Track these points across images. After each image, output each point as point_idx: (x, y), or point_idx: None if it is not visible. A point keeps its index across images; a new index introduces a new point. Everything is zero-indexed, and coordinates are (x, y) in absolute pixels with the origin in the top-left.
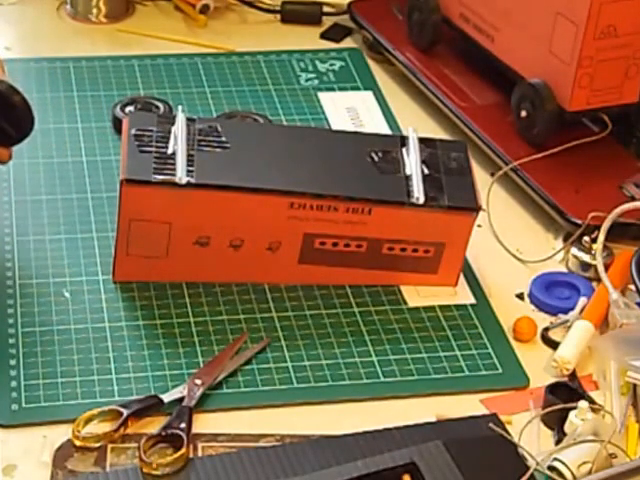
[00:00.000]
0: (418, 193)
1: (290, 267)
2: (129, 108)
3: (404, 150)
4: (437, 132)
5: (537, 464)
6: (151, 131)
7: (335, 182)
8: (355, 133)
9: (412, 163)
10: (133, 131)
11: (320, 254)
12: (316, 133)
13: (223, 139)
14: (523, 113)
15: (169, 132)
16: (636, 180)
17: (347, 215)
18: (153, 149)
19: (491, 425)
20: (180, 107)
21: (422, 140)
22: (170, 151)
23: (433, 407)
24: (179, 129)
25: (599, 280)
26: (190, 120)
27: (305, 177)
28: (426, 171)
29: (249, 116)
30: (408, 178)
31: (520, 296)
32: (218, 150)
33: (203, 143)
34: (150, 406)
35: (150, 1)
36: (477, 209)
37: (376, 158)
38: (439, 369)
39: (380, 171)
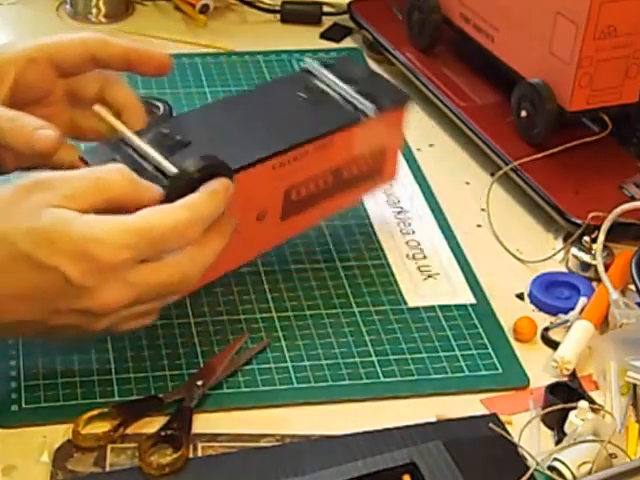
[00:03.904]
0: (363, 106)
1: (275, 228)
2: None
3: (317, 81)
4: (437, 132)
5: (537, 464)
6: (114, 160)
7: (296, 129)
8: (264, 87)
9: (334, 86)
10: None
11: (297, 204)
12: (239, 100)
13: (178, 138)
14: (523, 113)
15: (130, 154)
16: (636, 180)
17: (316, 155)
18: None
19: (491, 425)
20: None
21: (324, 66)
22: (147, 166)
23: (433, 407)
24: (139, 148)
25: (599, 280)
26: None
27: (269, 137)
28: (351, 86)
29: (149, 102)
30: (344, 98)
31: (520, 296)
32: (185, 150)
33: (166, 150)
34: (150, 406)
35: (150, 1)
36: (408, 98)
37: (305, 96)
38: (439, 369)
39: (318, 104)
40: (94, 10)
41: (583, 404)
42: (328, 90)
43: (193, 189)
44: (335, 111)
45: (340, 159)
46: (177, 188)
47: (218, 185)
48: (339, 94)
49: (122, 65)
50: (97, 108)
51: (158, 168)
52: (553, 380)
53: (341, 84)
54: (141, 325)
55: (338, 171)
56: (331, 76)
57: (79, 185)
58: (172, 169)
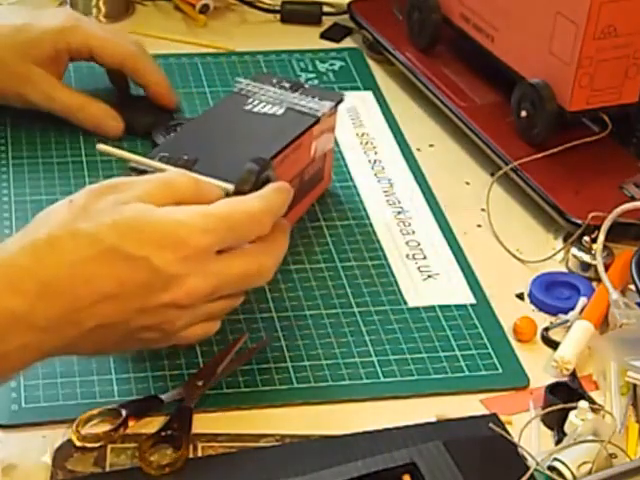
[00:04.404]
0: (320, 106)
1: None
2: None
3: (256, 96)
4: (437, 132)
5: (537, 464)
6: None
7: (270, 137)
8: (212, 110)
9: (282, 97)
10: None
11: None
12: (206, 119)
13: (185, 158)
14: (523, 113)
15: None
16: (636, 180)
17: (292, 158)
18: None
19: (491, 425)
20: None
21: (256, 79)
22: None
23: (433, 407)
24: (160, 169)
25: (599, 280)
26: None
27: (256, 148)
28: (293, 92)
29: None
30: (298, 104)
31: (520, 296)
32: (196, 167)
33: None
34: (150, 406)
35: (150, 1)
36: (343, 98)
37: (255, 110)
38: (439, 369)
39: (271, 115)
40: (94, 10)
41: (583, 404)
42: (274, 100)
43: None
44: (293, 115)
45: (304, 162)
46: (242, 187)
47: (282, 183)
48: (292, 101)
49: (138, 81)
50: (101, 147)
51: None
52: (553, 380)
53: (288, 93)
54: (206, 333)
55: (301, 175)
56: (269, 87)
57: (148, 186)
58: (227, 185)
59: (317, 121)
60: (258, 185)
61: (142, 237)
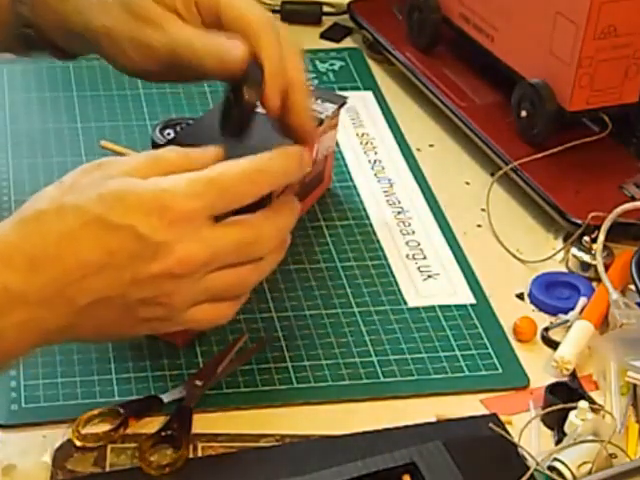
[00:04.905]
0: (322, 108)
1: None
2: (168, 131)
3: None
4: (437, 132)
5: (537, 464)
6: None
7: (274, 138)
8: (210, 112)
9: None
10: None
11: None
12: (204, 121)
13: None
14: (523, 113)
15: None
16: (636, 180)
17: None
18: None
19: (491, 425)
20: None
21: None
22: None
23: (433, 407)
24: None
25: (599, 280)
26: None
27: (261, 149)
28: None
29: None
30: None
31: (520, 296)
32: None
33: None
34: (150, 406)
35: None
36: (346, 101)
37: (263, 111)
38: (439, 369)
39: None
40: None
41: (583, 404)
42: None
43: None
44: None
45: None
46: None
47: (291, 148)
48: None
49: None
50: (104, 144)
51: None
52: (553, 380)
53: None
54: (218, 316)
55: (303, 177)
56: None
57: (137, 161)
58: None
59: (320, 123)
60: None
61: (127, 206)
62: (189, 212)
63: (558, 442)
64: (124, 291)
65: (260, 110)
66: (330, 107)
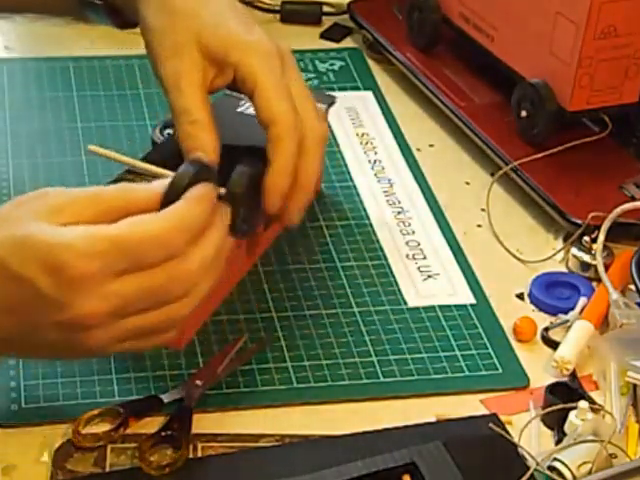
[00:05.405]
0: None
1: (240, 254)
2: (168, 131)
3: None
4: (437, 132)
5: (537, 464)
6: None
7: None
8: None
9: None
10: None
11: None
12: None
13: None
14: (523, 113)
15: None
16: (636, 180)
17: None
18: None
19: (491, 425)
20: None
21: None
22: None
23: (433, 407)
24: (150, 170)
25: (599, 280)
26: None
27: (255, 151)
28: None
29: None
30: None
31: (520, 296)
32: (223, 191)
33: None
34: (150, 406)
35: None
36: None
37: (248, 112)
38: (439, 369)
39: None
40: None
41: (583, 404)
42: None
43: None
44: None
45: None
46: (172, 196)
47: (202, 190)
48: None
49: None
50: (93, 148)
51: None
52: (553, 380)
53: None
54: (158, 346)
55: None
56: None
57: (74, 198)
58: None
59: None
60: (250, 187)
61: (26, 256)
62: (87, 272)
63: (558, 442)
64: (32, 332)
65: (251, 111)
66: (319, 107)
